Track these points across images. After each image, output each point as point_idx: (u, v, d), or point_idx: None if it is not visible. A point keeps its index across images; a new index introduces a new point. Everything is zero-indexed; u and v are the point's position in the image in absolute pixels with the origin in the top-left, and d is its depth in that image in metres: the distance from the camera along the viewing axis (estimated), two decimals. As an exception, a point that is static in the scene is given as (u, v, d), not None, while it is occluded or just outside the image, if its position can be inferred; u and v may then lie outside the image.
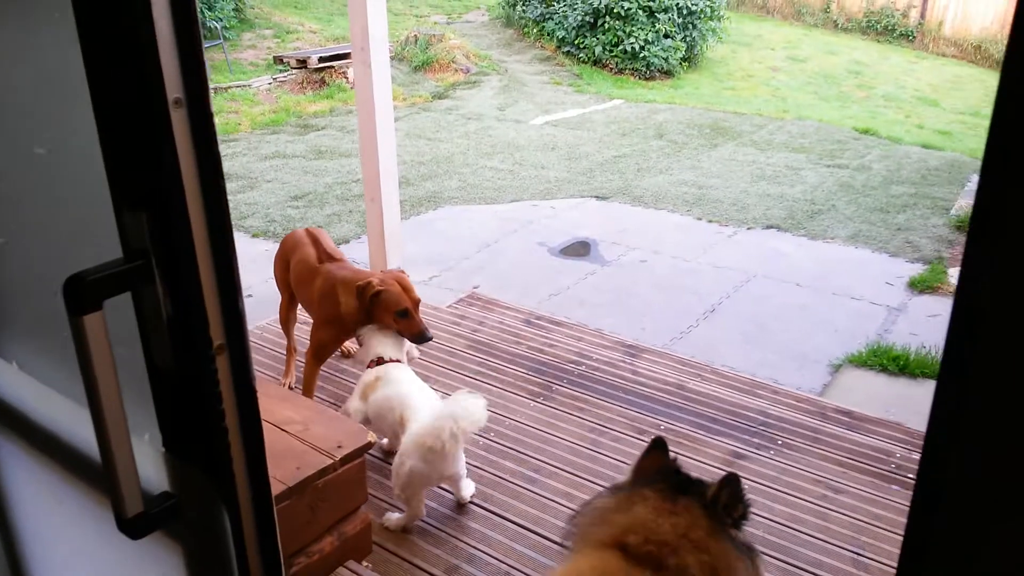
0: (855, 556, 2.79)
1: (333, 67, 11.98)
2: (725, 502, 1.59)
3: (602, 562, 1.52)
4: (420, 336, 3.25)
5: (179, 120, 0.83)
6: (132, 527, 0.95)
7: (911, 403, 4.12)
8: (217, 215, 0.89)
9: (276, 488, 2.17)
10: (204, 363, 0.94)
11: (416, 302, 3.28)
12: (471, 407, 2.64)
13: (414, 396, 2.96)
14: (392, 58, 12.80)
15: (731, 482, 1.59)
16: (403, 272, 3.45)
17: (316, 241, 3.66)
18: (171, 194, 0.85)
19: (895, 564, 2.72)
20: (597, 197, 7.70)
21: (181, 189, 0.85)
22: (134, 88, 0.82)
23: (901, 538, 2.61)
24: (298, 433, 2.40)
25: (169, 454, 1.04)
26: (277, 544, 1.08)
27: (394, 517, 2.91)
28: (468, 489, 3.06)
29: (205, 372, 0.94)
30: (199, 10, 8.85)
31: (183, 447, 1.02)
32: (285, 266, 3.77)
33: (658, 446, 1.73)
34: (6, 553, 1.53)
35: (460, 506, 3.05)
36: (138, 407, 1.04)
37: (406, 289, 3.28)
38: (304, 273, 3.56)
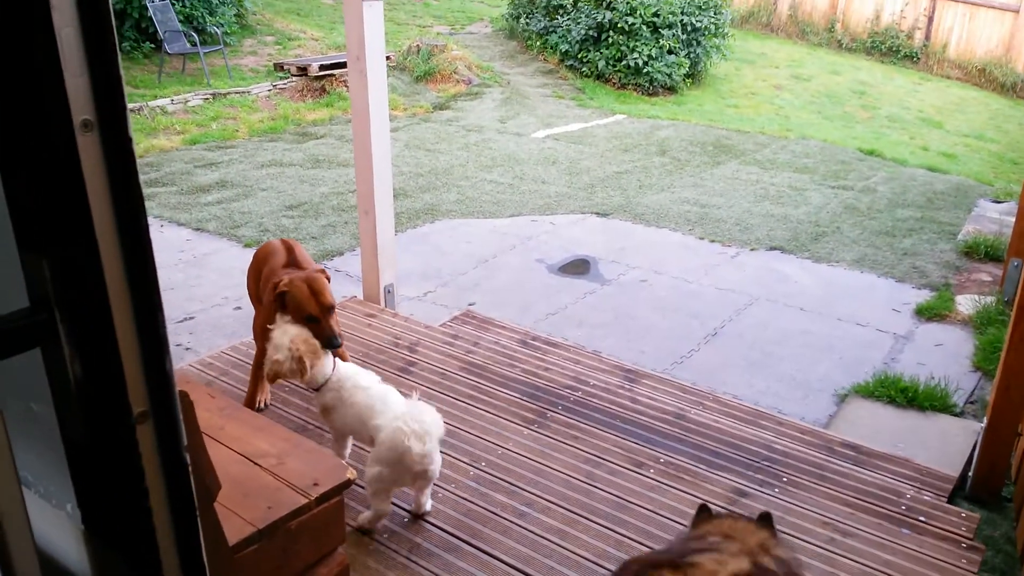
0: (864, 607, 2.62)
1: (334, 75, 11.87)
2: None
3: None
4: (326, 342, 3.07)
5: (88, 146, 0.68)
6: (32, 629, 0.79)
7: (920, 438, 3.96)
8: (138, 259, 0.73)
9: (245, 530, 2.01)
10: (122, 433, 0.78)
11: (327, 306, 3.11)
12: (429, 424, 2.71)
13: (375, 410, 2.87)
14: (393, 68, 12.71)
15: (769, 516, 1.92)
16: (323, 272, 3.29)
17: (290, 250, 3.53)
18: (77, 234, 0.69)
19: (906, 616, 2.56)
20: (598, 213, 7.55)
21: (90, 228, 0.70)
22: (34, 108, 0.67)
23: (912, 588, 2.35)
24: (272, 468, 2.24)
25: (89, 534, 0.88)
26: (213, 641, 0.92)
27: (365, 515, 2.91)
28: (428, 502, 3.02)
29: (124, 444, 0.79)
30: (200, 16, 8.66)
31: (103, 527, 0.86)
32: (258, 278, 3.61)
33: (704, 510, 1.97)
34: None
35: (417, 516, 3.01)
36: (62, 473, 0.89)
37: (316, 293, 3.11)
38: (271, 279, 3.43)
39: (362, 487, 3.11)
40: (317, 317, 3.10)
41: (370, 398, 2.92)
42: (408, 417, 2.71)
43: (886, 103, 14.03)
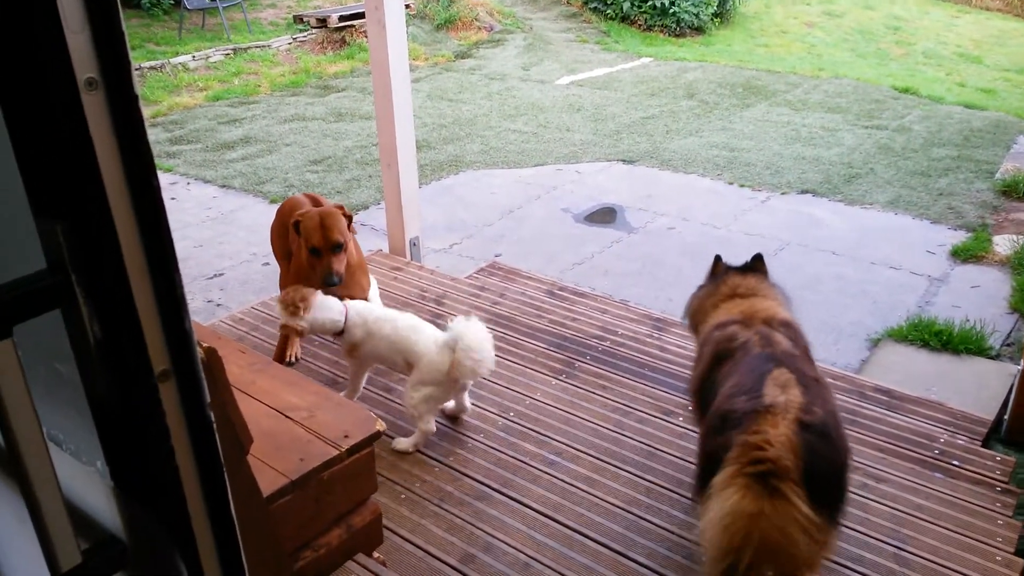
0: (896, 551, 2.62)
1: (354, 26, 11.72)
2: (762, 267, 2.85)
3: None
4: (323, 279, 3.15)
5: (94, 105, 0.67)
6: (67, 584, 0.81)
7: (954, 382, 3.91)
8: (151, 219, 0.73)
9: (278, 481, 2.06)
10: (145, 392, 0.79)
11: (331, 242, 3.16)
12: (482, 347, 2.95)
13: (411, 339, 3.05)
14: (413, 16, 12.51)
15: (761, 257, 2.88)
16: (340, 207, 3.33)
17: (316, 204, 3.55)
18: (87, 196, 0.69)
19: (938, 559, 2.56)
20: (624, 160, 7.44)
21: (101, 189, 0.69)
22: (36, 67, 0.66)
23: (944, 531, 2.40)
24: (303, 421, 2.27)
25: (119, 490, 0.89)
26: (247, 594, 0.94)
27: (405, 440, 3.11)
28: (467, 401, 3.27)
29: (147, 403, 0.79)
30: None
31: (132, 485, 0.87)
32: (284, 233, 3.62)
33: (718, 261, 2.94)
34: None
35: (454, 419, 3.27)
36: (90, 431, 0.90)
37: (325, 227, 3.16)
38: None
39: (391, 436, 3.16)
40: (319, 250, 3.15)
41: (398, 330, 3.06)
42: (464, 338, 2.92)
43: (922, 38, 13.55)
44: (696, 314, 2.85)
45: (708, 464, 2.16)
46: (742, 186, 6.75)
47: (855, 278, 5.08)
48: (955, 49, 12.99)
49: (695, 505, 2.48)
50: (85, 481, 0.93)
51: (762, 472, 1.95)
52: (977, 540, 2.65)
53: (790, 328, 2.51)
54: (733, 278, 2.76)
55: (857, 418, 3.31)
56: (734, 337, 2.46)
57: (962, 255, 5.33)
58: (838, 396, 3.48)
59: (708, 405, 2.41)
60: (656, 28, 13.19)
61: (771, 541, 1.95)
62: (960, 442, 3.17)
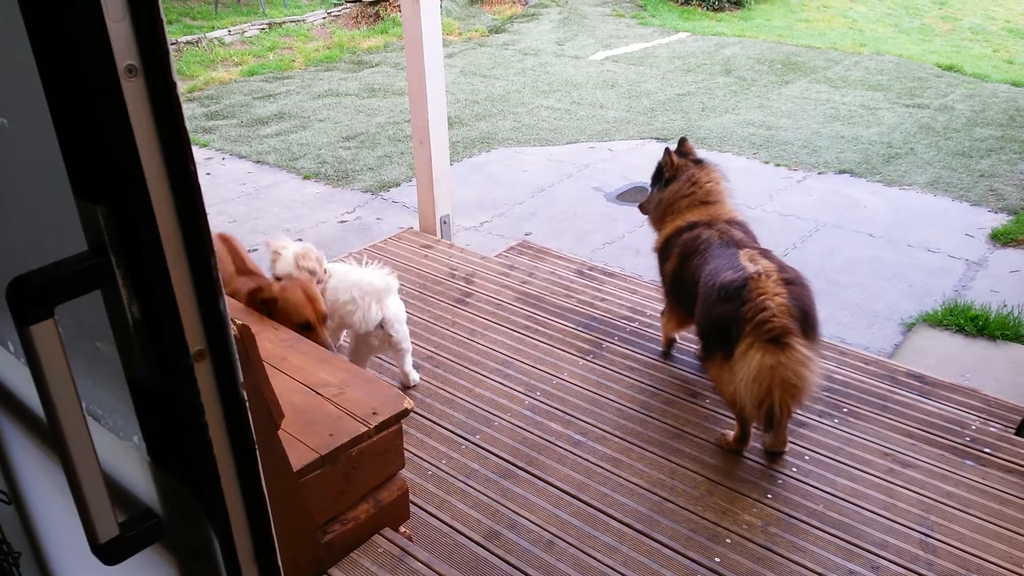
0: (923, 537, 2.60)
1: (388, 0, 11.69)
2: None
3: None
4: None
5: (134, 92, 0.68)
6: (106, 552, 0.84)
7: (989, 368, 3.85)
8: (188, 203, 0.75)
9: (308, 456, 2.10)
10: (181, 371, 0.81)
11: (322, 315, 2.90)
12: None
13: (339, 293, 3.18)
14: (447, -9, 12.43)
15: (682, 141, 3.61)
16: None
17: (234, 250, 3.26)
18: (128, 180, 0.71)
19: (965, 547, 2.54)
20: (658, 139, 7.37)
21: (140, 174, 0.71)
22: (78, 55, 0.68)
23: (973, 519, 2.38)
24: (333, 397, 2.31)
25: (155, 465, 0.92)
26: (278, 567, 0.97)
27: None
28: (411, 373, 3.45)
29: (183, 381, 0.82)
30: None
31: (167, 460, 0.90)
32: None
33: (682, 143, 3.58)
34: (26, 535, 1.48)
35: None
36: (128, 407, 0.93)
37: (311, 299, 2.88)
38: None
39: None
40: (312, 325, 2.88)
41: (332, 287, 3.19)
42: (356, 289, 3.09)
43: (969, 13, 13.15)
44: (668, 209, 3.41)
45: (716, 328, 2.81)
46: (778, 165, 6.65)
47: (891, 261, 5.00)
48: (1004, 24, 12.59)
49: (702, 361, 3.26)
50: (122, 455, 0.96)
51: (773, 336, 2.61)
52: (1006, 529, 2.62)
53: (742, 225, 3.21)
54: (702, 183, 3.33)
55: (888, 403, 3.27)
56: (699, 236, 3.12)
57: (1002, 238, 5.21)
58: (869, 380, 3.46)
59: (682, 292, 3.17)
60: (694, 2, 12.97)
61: (789, 382, 2.62)
62: (993, 429, 3.12)
